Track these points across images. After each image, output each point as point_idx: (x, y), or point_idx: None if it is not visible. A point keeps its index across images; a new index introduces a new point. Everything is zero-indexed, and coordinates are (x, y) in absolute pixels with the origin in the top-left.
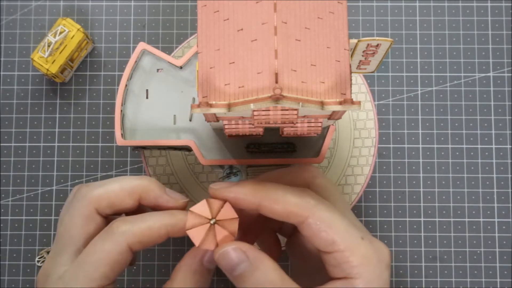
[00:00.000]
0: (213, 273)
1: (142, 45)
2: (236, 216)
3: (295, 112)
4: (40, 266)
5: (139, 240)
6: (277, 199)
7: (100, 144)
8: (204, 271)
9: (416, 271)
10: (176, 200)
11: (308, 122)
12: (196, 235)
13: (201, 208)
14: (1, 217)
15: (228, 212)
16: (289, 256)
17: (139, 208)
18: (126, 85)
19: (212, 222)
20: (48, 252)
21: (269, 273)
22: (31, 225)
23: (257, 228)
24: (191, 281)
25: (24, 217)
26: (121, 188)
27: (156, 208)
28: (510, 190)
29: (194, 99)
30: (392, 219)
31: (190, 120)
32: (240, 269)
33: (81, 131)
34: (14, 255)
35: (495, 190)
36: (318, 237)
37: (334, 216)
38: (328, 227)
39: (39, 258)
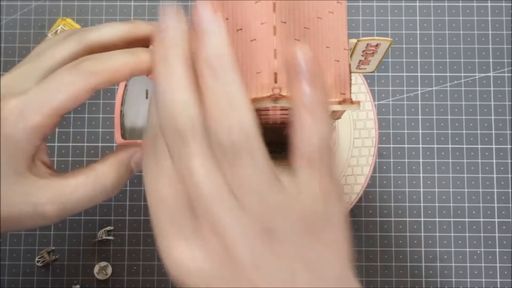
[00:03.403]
0: None
1: None
2: None
3: None
4: (40, 267)
5: (104, 81)
6: None
7: (100, 144)
8: (128, 169)
9: (416, 271)
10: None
11: None
12: None
13: None
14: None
15: None
16: None
17: None
18: (126, 85)
19: None
20: (48, 252)
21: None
22: None
23: None
24: (117, 169)
25: None
26: (121, 66)
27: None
28: (510, 190)
29: None
30: (392, 219)
31: None
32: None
33: (81, 131)
34: (14, 255)
35: (495, 190)
36: None
37: None
38: None
39: (39, 258)
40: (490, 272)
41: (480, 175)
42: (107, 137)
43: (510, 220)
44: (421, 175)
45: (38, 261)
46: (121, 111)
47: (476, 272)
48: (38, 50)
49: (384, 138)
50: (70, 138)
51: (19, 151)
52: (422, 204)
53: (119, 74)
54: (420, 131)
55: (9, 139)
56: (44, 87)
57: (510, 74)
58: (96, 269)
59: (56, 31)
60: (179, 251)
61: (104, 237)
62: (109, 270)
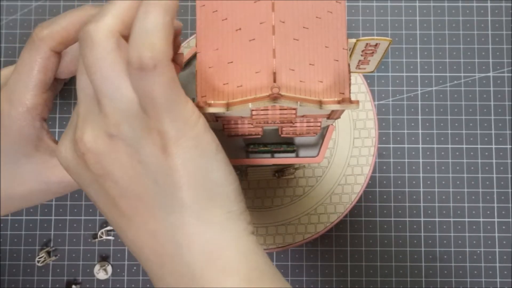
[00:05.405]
0: None
1: None
2: None
3: (293, 111)
4: (40, 266)
5: (59, 42)
6: None
7: None
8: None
9: (416, 271)
10: None
11: (307, 122)
12: None
13: None
14: (1, 217)
15: None
16: None
17: None
18: None
19: None
20: (48, 253)
21: None
22: (31, 225)
23: None
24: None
25: (24, 217)
26: (67, 24)
27: None
28: (510, 190)
29: (194, 99)
30: (392, 219)
31: None
32: None
33: None
34: (14, 255)
35: (495, 190)
36: None
37: None
38: None
39: (39, 258)
40: (490, 272)
41: (480, 175)
42: None
43: (510, 220)
44: (421, 175)
45: (38, 261)
46: None
47: (476, 272)
48: None
49: (384, 138)
50: None
51: (22, 136)
52: (422, 204)
53: (72, 33)
54: (420, 131)
55: (8, 128)
56: (16, 72)
57: (510, 74)
58: (96, 269)
59: None
60: (62, 148)
61: (104, 237)
62: (109, 270)
